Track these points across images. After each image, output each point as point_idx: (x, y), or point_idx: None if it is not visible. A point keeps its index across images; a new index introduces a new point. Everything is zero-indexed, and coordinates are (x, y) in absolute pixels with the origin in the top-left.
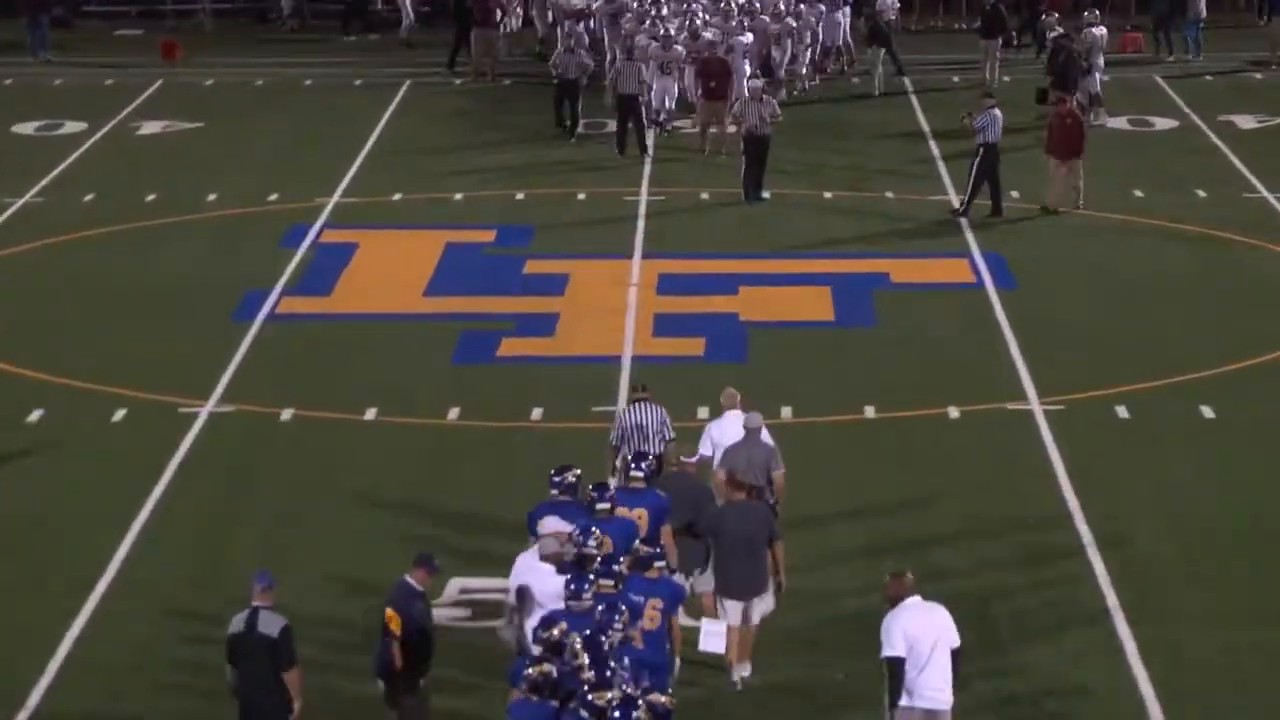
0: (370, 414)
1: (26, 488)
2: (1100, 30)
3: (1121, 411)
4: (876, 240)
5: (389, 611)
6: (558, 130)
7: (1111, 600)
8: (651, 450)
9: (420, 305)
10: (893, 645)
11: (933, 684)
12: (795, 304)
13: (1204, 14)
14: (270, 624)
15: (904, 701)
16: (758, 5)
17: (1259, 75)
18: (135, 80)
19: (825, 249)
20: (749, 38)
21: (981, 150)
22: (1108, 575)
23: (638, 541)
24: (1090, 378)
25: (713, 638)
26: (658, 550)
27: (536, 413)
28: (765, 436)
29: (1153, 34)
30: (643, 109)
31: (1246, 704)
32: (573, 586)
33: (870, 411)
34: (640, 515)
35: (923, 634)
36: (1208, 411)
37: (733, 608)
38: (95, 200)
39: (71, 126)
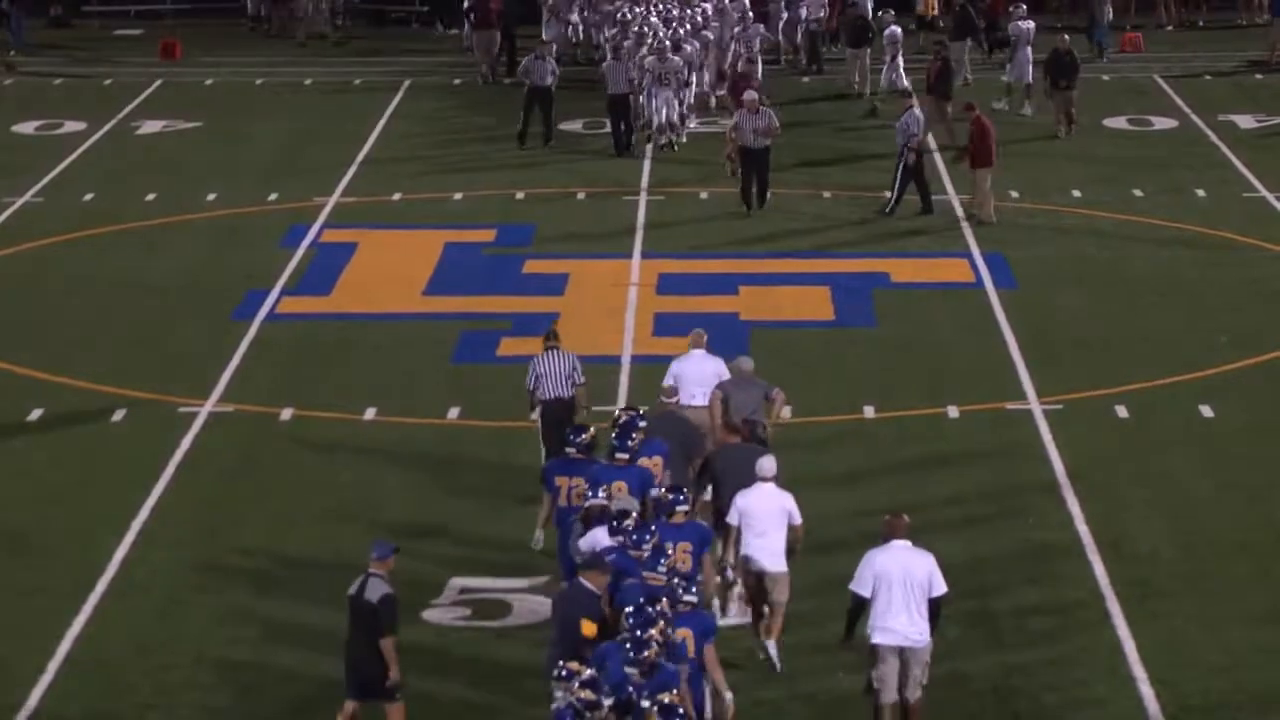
0: (370, 414)
1: (26, 487)
2: (1028, 24)
3: (1121, 411)
4: (877, 240)
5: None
6: (518, 144)
7: (1111, 600)
8: (564, 394)
9: (420, 305)
10: (858, 582)
11: (903, 623)
12: (795, 304)
13: (1110, 16)
14: (375, 591)
15: (880, 639)
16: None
17: (1259, 75)
18: (135, 80)
19: (825, 249)
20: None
21: (904, 149)
22: (1107, 576)
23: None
24: (1090, 377)
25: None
26: (680, 495)
27: (536, 413)
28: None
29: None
30: (631, 109)
31: (1246, 704)
32: (634, 536)
33: (870, 411)
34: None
35: (896, 576)
36: (1207, 411)
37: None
38: (95, 200)
39: (71, 126)
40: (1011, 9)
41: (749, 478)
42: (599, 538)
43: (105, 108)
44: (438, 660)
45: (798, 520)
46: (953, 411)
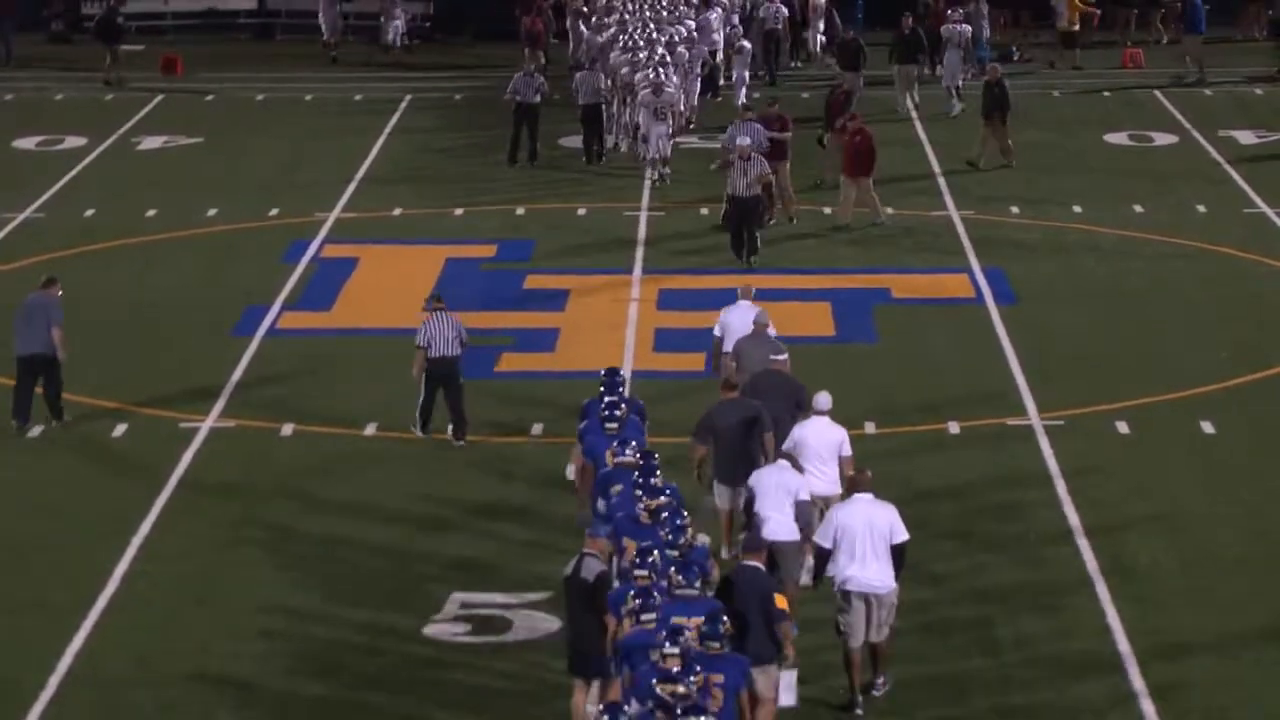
0: (370, 429)
1: (27, 503)
2: (963, 28)
3: (1122, 426)
4: (877, 255)
5: None
6: (508, 163)
7: (1112, 616)
8: (450, 352)
9: (421, 320)
10: (823, 535)
11: (868, 572)
12: (796, 319)
13: (986, 33)
14: (590, 570)
15: (848, 587)
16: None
17: (1259, 90)
18: (136, 95)
19: (826, 264)
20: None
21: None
22: (1108, 591)
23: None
24: (1090, 393)
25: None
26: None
27: (536, 428)
28: (771, 331)
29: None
30: (603, 118)
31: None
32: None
33: (870, 427)
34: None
35: (859, 527)
36: (1208, 426)
37: (721, 492)
38: (95, 215)
39: (72, 141)
40: (950, 11)
41: (741, 433)
42: None
43: (106, 123)
44: (438, 676)
45: (848, 452)
46: (954, 427)
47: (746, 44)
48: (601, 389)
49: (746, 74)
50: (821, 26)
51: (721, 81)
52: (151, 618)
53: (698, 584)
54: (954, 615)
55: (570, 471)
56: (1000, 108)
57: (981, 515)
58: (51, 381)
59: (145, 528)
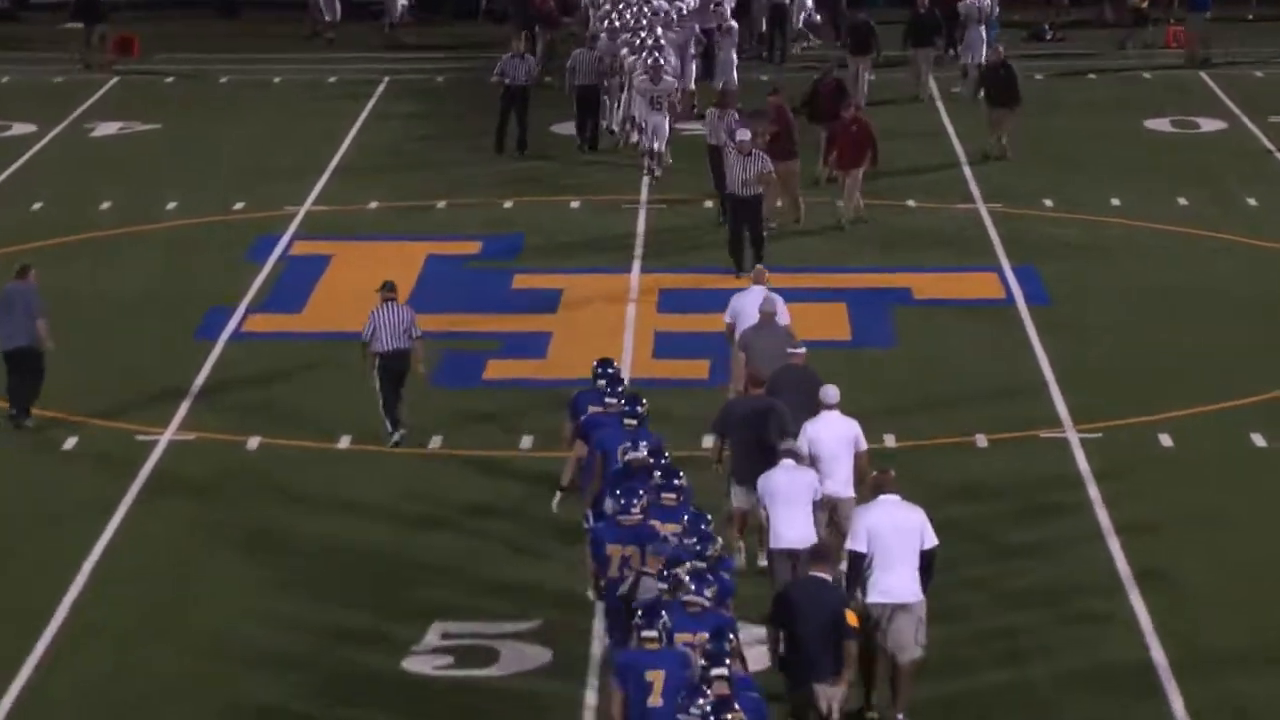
0: (344, 442)
1: None
2: (983, 1)
3: (1165, 439)
4: (896, 252)
5: None
6: (495, 151)
7: (1153, 643)
8: (402, 346)
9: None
10: (856, 539)
11: (900, 580)
12: (808, 322)
13: (995, 11)
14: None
15: (874, 598)
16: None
17: None
18: (89, 78)
19: (840, 262)
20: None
21: (710, 152)
22: (1149, 616)
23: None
24: (1131, 403)
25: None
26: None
27: (526, 441)
28: (781, 316)
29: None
30: (601, 104)
31: None
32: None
33: (890, 440)
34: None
35: (889, 532)
36: (1259, 440)
37: (738, 492)
38: (45, 208)
39: (20, 128)
40: None
41: (759, 430)
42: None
43: (57, 108)
44: (417, 713)
45: (864, 446)
46: (981, 440)
47: (734, 23)
48: (603, 383)
49: (734, 55)
50: (809, 2)
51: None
52: (104, 647)
53: (707, 594)
54: (981, 644)
55: (565, 477)
56: (1006, 93)
57: (1010, 536)
58: (33, 375)
59: (97, 551)
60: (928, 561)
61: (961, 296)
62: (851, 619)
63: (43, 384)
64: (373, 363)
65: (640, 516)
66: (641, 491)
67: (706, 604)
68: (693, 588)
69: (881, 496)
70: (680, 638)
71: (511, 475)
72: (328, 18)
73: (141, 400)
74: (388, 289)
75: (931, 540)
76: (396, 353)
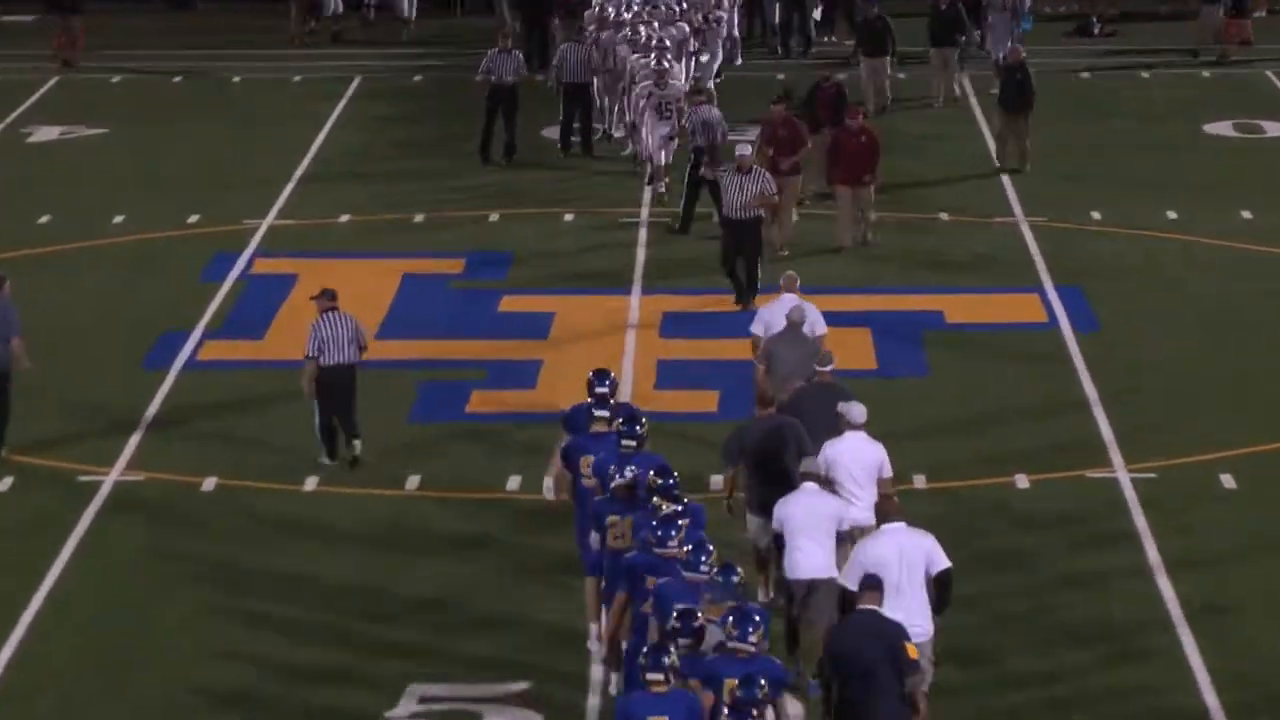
0: (310, 484)
1: None
2: None
3: (1227, 480)
4: (927, 272)
5: None
6: (479, 158)
7: (1213, 705)
8: (348, 359)
9: (372, 351)
10: (849, 576)
11: (901, 612)
12: (829, 349)
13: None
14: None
15: None
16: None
17: None
18: (26, 77)
19: (864, 283)
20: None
21: (693, 155)
22: (1209, 676)
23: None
24: (1188, 439)
25: None
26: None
27: (513, 482)
28: (810, 325)
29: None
30: (593, 101)
31: None
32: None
33: (920, 481)
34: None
35: (893, 562)
36: None
37: (753, 522)
38: None
39: None
40: None
41: (776, 455)
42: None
43: None
44: None
45: (889, 473)
46: (1021, 481)
47: (721, 13)
48: (599, 392)
49: (720, 51)
50: None
51: (739, 61)
52: (42, 713)
53: (752, 638)
54: (1026, 711)
55: (548, 487)
56: (1020, 98)
57: (1055, 588)
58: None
59: (35, 604)
60: (943, 587)
61: (1000, 321)
62: (911, 651)
63: (9, 415)
64: (314, 379)
65: (678, 551)
66: (681, 523)
67: (752, 649)
68: (735, 632)
69: (885, 525)
70: (729, 684)
71: (498, 518)
72: (332, 9)
73: (84, 437)
74: (327, 297)
75: (942, 563)
76: (343, 367)
